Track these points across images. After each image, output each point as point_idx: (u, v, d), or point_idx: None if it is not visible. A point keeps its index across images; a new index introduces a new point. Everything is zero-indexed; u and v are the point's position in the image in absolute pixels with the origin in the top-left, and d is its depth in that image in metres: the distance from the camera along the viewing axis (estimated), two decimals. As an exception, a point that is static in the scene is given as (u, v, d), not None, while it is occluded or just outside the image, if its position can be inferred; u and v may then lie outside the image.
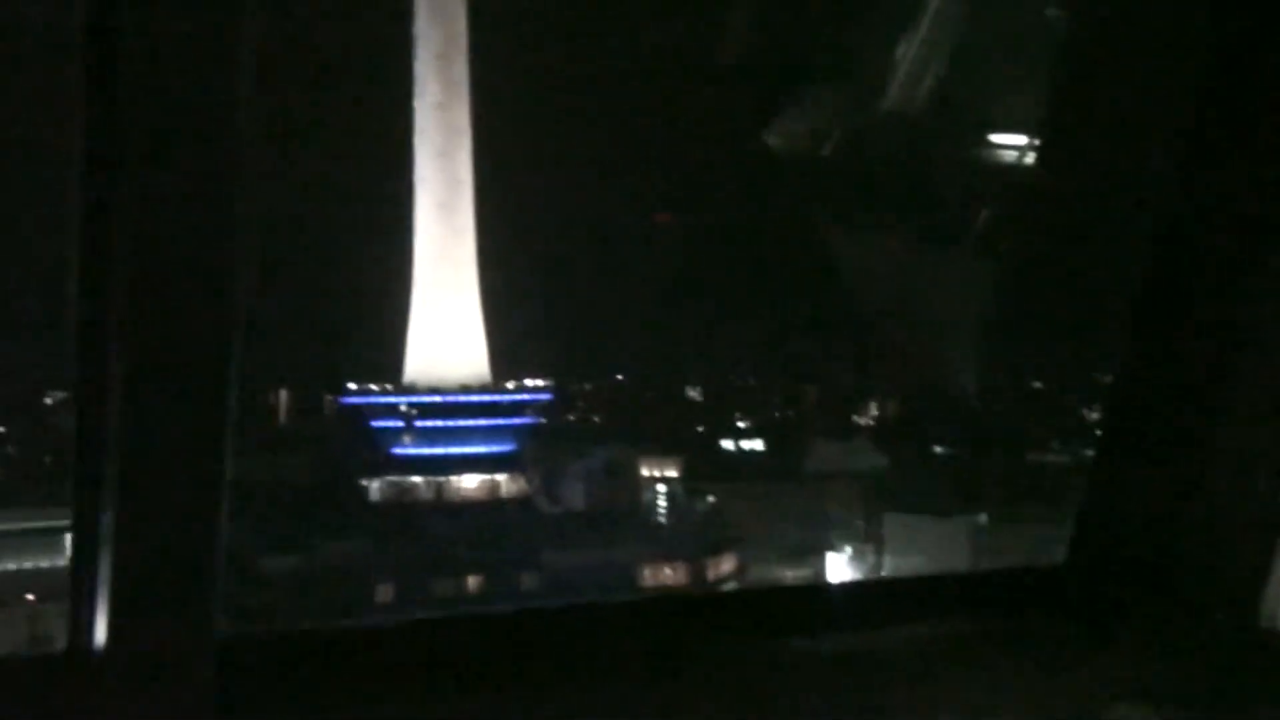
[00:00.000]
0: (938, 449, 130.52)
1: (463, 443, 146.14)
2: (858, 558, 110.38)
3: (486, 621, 7.15)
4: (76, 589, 5.26)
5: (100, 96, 4.88)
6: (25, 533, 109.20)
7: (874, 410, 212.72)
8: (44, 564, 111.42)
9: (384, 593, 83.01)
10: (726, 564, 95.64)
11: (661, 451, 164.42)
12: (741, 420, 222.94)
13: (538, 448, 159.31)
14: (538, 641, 6.02)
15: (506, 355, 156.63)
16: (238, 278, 5.29)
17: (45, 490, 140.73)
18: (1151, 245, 8.07)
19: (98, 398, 5.22)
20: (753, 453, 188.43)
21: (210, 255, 5.18)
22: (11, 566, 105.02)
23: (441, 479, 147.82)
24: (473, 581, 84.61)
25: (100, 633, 5.15)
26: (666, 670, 5.78)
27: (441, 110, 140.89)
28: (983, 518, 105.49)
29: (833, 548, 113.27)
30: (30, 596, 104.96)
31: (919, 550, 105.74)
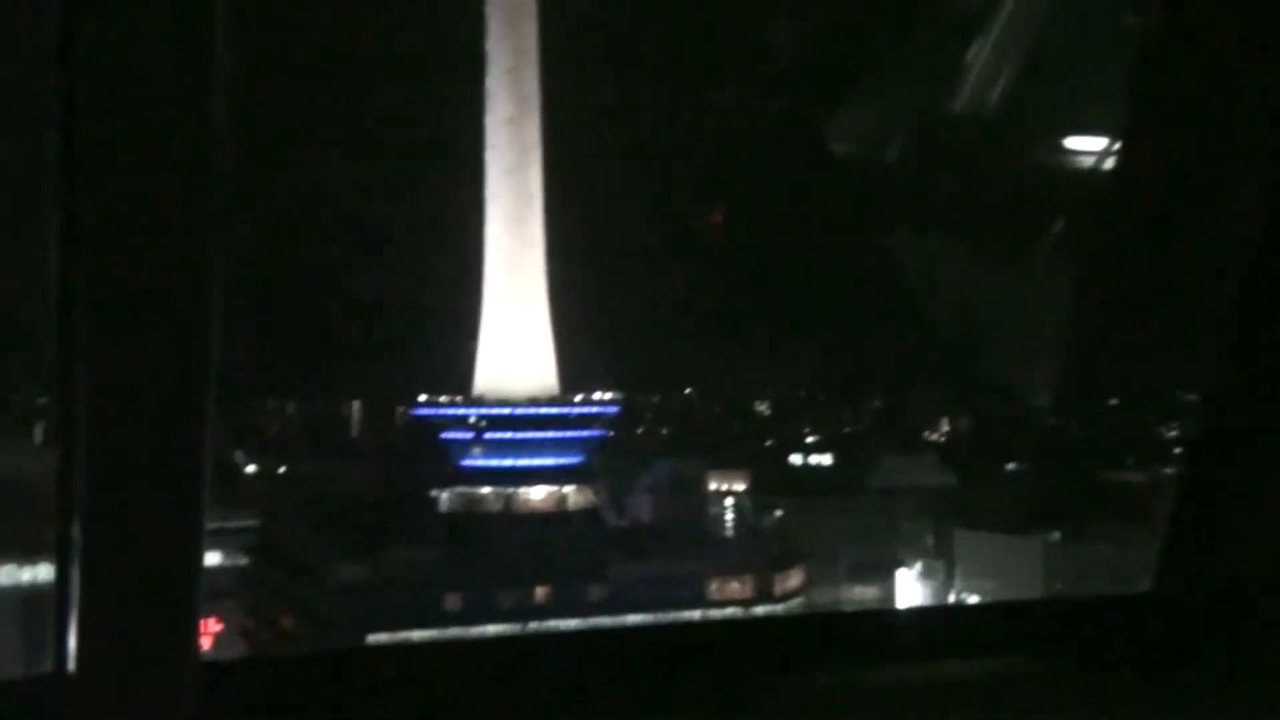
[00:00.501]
0: (1010, 466, 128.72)
1: (531, 454, 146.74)
2: (926, 575, 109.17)
3: (476, 648, 6.90)
4: (58, 612, 5.02)
5: (72, 112, 4.73)
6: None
7: (945, 426, 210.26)
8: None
9: (452, 602, 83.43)
10: (793, 579, 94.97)
11: (728, 465, 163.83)
12: (809, 434, 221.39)
13: (605, 460, 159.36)
14: (552, 668, 5.69)
15: (575, 368, 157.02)
16: (213, 294, 5.05)
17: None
18: (1244, 261, 7.65)
19: (70, 417, 5.03)
20: (820, 467, 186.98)
21: (184, 271, 4.96)
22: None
23: (509, 490, 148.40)
24: (540, 592, 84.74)
25: (74, 656, 4.93)
26: (728, 702, 5.46)
27: (512, 125, 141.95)
28: (1055, 536, 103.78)
29: (901, 565, 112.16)
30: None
31: (989, 569, 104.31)
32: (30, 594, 78.52)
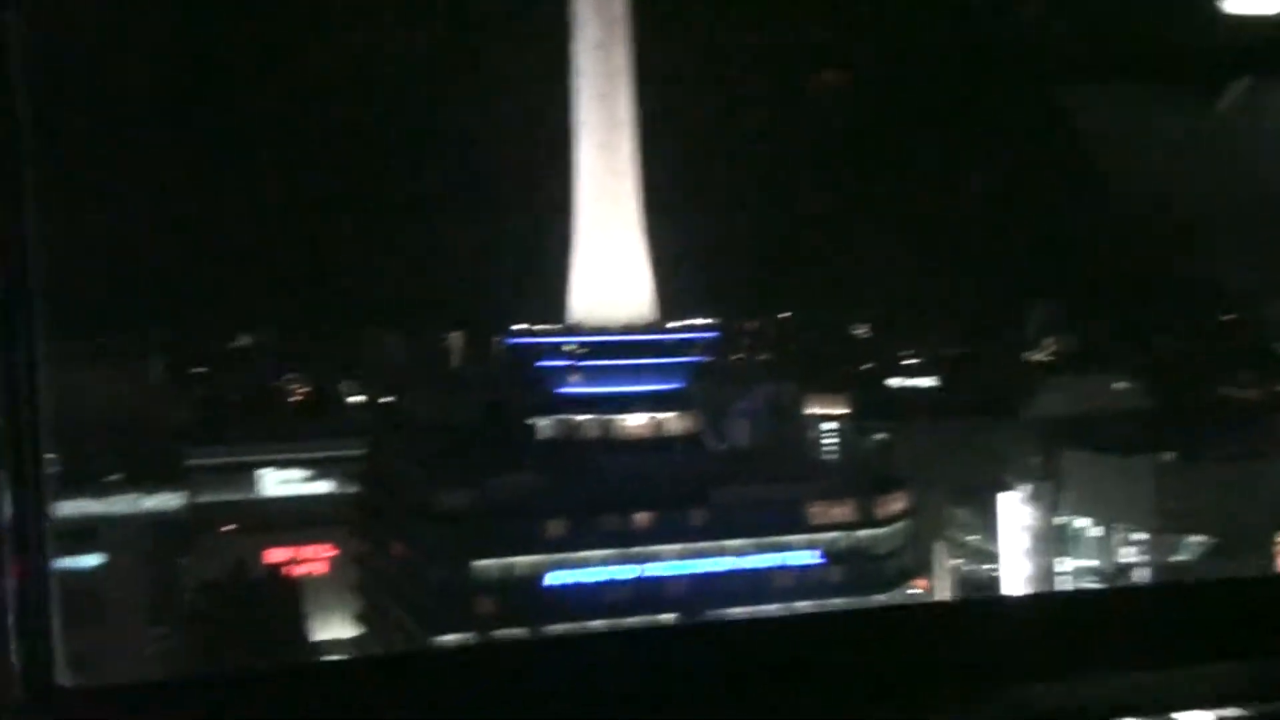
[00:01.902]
0: (1120, 384, 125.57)
1: (628, 381, 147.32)
2: (1033, 498, 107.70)
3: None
4: None
5: None
6: (224, 466, 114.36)
7: (1051, 345, 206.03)
8: (240, 497, 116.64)
9: (554, 528, 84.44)
10: (894, 502, 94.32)
11: (828, 389, 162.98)
12: (911, 357, 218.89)
13: (703, 385, 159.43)
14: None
15: (671, 293, 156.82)
16: (33, 313, 4.45)
17: (242, 428, 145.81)
18: None
19: None
20: (923, 389, 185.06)
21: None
22: (211, 498, 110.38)
23: (607, 417, 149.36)
24: (640, 518, 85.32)
25: None
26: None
27: (601, 50, 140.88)
28: (1169, 457, 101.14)
29: (1006, 487, 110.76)
30: (229, 527, 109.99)
31: (1099, 491, 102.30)
32: None
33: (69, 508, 74.34)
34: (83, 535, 74.47)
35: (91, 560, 74.97)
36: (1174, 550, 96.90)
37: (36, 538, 4.79)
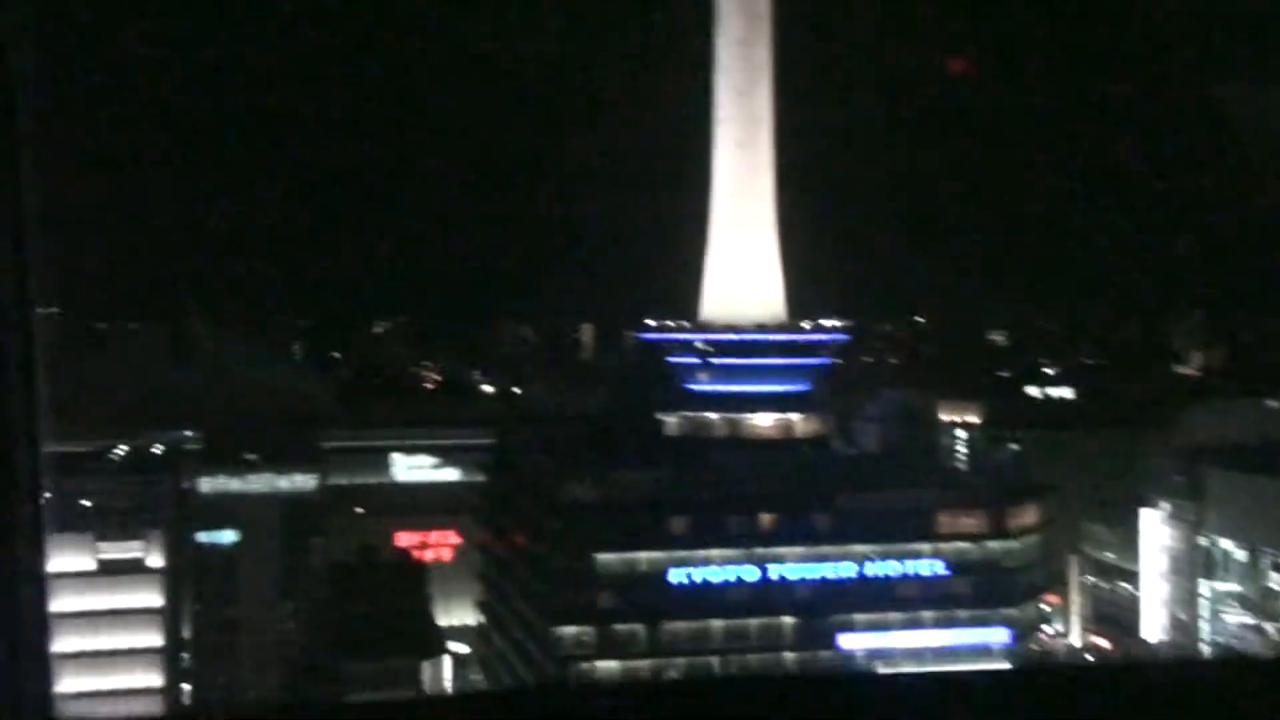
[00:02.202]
0: (1273, 402, 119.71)
1: (757, 380, 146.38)
2: (1174, 516, 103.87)
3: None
4: None
5: None
6: (357, 450, 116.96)
7: (1199, 358, 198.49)
8: (371, 480, 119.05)
9: (677, 524, 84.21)
10: (1027, 514, 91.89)
11: (961, 395, 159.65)
12: (1048, 365, 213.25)
13: (833, 388, 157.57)
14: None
15: (803, 294, 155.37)
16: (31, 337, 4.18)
17: (371, 411, 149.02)
18: None
19: None
20: (1060, 400, 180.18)
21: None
22: (343, 481, 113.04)
23: (736, 415, 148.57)
24: (765, 518, 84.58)
25: None
26: None
27: (744, 47, 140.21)
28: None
29: (1146, 503, 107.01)
30: (359, 510, 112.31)
31: (1246, 514, 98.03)
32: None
33: (207, 485, 76.67)
34: (220, 512, 76.82)
35: (228, 536, 77.38)
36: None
37: (33, 577, 4.49)
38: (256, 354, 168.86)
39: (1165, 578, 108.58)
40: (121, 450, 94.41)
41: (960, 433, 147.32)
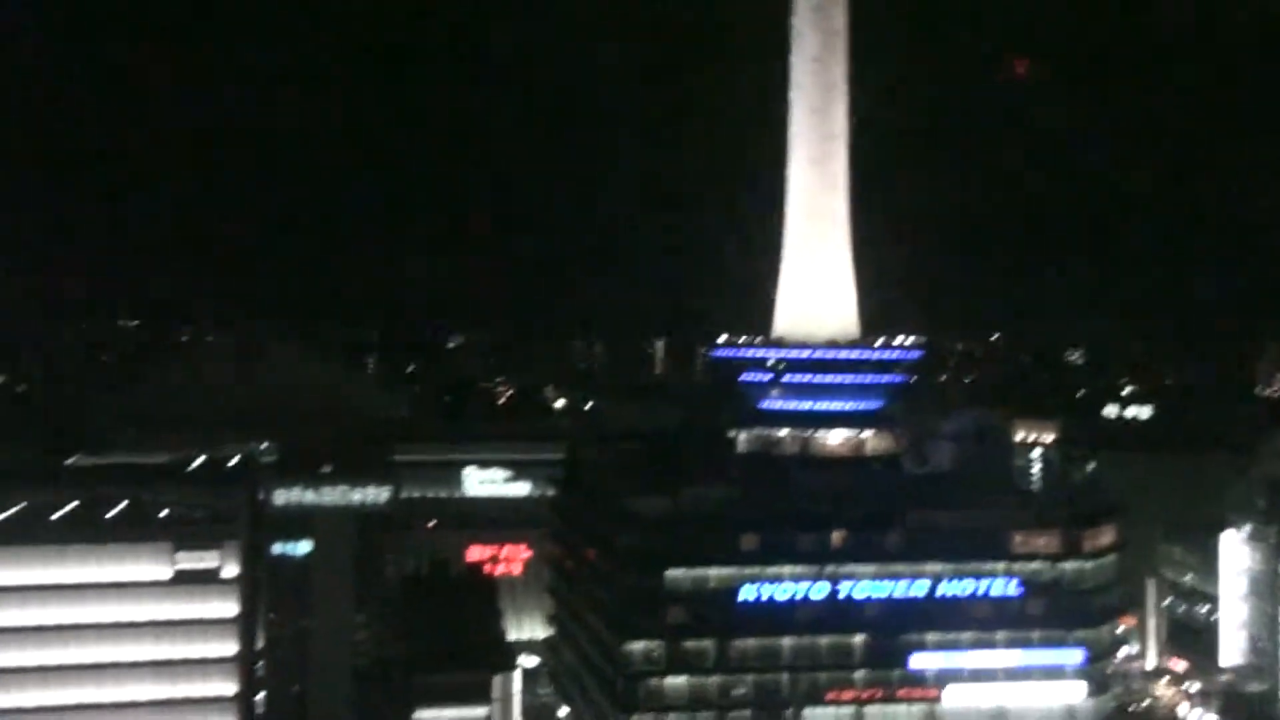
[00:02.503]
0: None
1: (830, 398, 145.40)
2: (1256, 538, 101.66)
3: None
4: None
5: None
6: (429, 464, 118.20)
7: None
8: (443, 494, 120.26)
9: (748, 541, 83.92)
10: (1104, 536, 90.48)
11: (1036, 414, 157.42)
12: (1125, 385, 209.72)
13: (906, 406, 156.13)
14: None
15: (877, 311, 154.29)
16: None
17: (445, 425, 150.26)
18: None
19: None
20: (1137, 420, 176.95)
21: None
22: (416, 494, 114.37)
23: (808, 433, 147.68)
24: (836, 536, 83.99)
25: None
26: None
27: (818, 64, 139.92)
28: None
29: (1225, 526, 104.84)
30: (432, 523, 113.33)
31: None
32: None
33: (282, 497, 77.80)
34: (294, 524, 77.89)
35: (302, 548, 78.40)
36: None
37: None
38: (333, 367, 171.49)
39: (1244, 600, 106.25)
40: (199, 461, 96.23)
41: (1036, 452, 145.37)
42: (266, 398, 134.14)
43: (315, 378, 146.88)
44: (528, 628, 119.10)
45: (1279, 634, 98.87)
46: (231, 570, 73.42)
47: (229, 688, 73.09)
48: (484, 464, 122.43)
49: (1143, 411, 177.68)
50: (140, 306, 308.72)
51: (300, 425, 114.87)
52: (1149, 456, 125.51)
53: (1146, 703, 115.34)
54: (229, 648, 73.27)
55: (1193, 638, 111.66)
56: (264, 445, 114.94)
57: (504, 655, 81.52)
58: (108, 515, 78.02)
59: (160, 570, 72.44)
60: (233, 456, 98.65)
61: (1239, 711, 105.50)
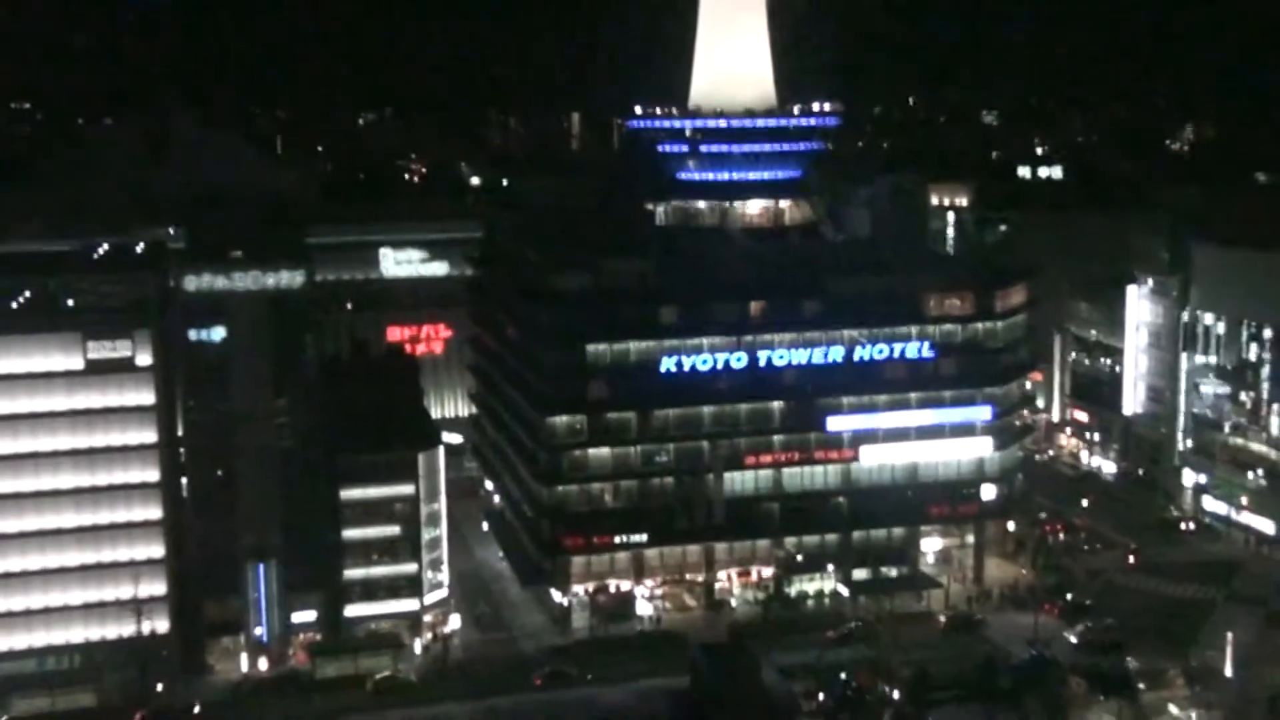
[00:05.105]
0: (1260, 175, 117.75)
1: (747, 168, 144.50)
2: (1158, 292, 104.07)
3: None
4: None
5: None
6: (344, 245, 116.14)
7: (1188, 132, 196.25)
8: (359, 276, 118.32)
9: (668, 314, 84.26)
10: (1015, 296, 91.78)
11: (952, 178, 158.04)
12: (1039, 146, 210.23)
13: (824, 174, 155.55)
14: None
15: (793, 78, 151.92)
16: None
17: (357, 206, 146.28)
18: None
19: None
20: (1050, 180, 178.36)
21: None
22: (331, 277, 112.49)
23: (725, 204, 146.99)
24: (755, 306, 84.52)
25: None
26: None
27: None
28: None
29: (1132, 280, 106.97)
30: (349, 305, 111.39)
31: (1231, 287, 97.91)
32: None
33: (193, 283, 76.41)
34: (207, 310, 76.88)
35: (217, 334, 77.55)
36: None
37: None
38: (240, 149, 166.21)
39: (1145, 352, 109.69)
40: (104, 248, 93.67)
41: (950, 215, 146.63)
42: (172, 183, 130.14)
43: (222, 160, 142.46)
44: (450, 406, 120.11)
45: (1178, 383, 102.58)
46: (145, 358, 72.41)
47: (151, 474, 73.10)
48: (400, 244, 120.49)
49: (1055, 171, 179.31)
50: (37, 94, 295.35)
51: (208, 210, 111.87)
52: (1060, 215, 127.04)
53: (1051, 453, 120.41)
54: (148, 435, 72.96)
55: (1096, 389, 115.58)
56: (172, 231, 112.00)
57: (428, 433, 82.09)
58: (12, 305, 76.22)
59: (72, 360, 71.22)
60: (139, 244, 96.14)
61: (1136, 456, 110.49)
